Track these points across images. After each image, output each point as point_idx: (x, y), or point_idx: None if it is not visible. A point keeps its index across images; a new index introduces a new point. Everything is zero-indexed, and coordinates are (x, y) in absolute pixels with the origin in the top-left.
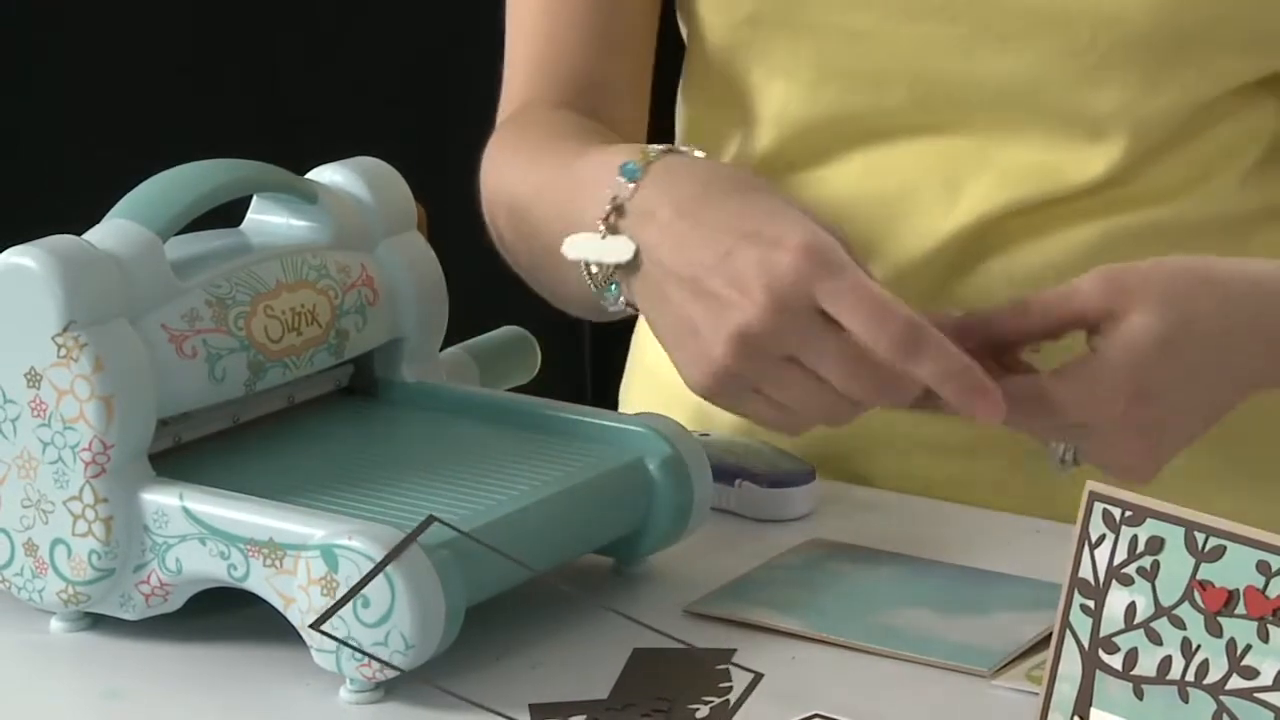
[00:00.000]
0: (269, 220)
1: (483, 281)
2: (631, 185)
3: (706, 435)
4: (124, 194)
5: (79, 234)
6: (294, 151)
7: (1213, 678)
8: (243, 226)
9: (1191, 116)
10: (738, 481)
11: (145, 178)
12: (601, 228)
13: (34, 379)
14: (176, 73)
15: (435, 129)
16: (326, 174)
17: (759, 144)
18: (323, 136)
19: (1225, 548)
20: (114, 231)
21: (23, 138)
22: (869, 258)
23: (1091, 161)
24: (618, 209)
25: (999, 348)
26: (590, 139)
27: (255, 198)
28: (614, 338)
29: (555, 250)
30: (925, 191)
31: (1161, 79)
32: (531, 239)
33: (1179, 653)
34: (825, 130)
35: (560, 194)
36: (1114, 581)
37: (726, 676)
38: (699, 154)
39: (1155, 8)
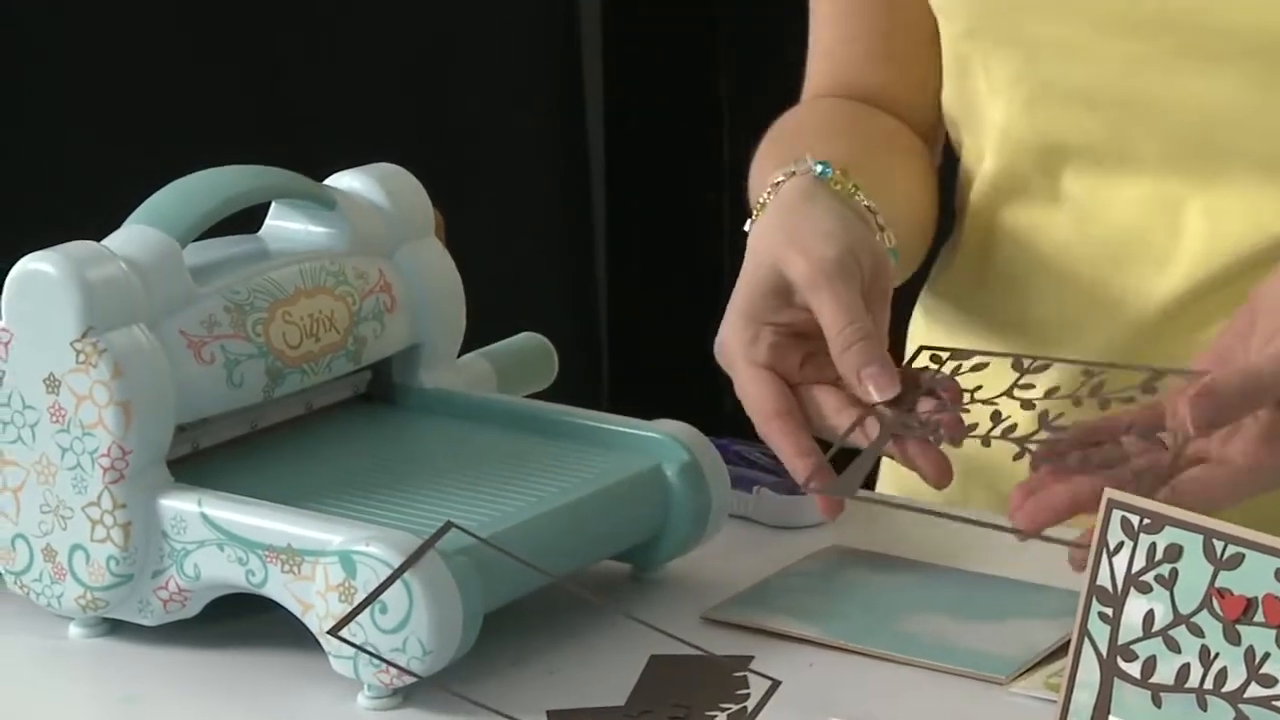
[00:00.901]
0: (287, 226)
1: (500, 287)
2: (764, 197)
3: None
4: (122, 193)
5: (88, 236)
6: (311, 158)
7: (1231, 686)
8: (261, 232)
9: None
10: (756, 488)
11: (145, 177)
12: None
13: (53, 385)
14: (180, 71)
15: (454, 136)
16: (345, 180)
17: (985, 165)
18: (340, 142)
19: (1244, 555)
20: (133, 237)
21: (22, 136)
22: (1099, 309)
23: None
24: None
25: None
26: (833, 142)
27: (274, 204)
28: (632, 344)
29: None
30: (1152, 236)
31: None
32: None
33: (1197, 660)
34: (1042, 155)
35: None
36: (1132, 589)
37: (744, 684)
38: (813, 170)
39: None
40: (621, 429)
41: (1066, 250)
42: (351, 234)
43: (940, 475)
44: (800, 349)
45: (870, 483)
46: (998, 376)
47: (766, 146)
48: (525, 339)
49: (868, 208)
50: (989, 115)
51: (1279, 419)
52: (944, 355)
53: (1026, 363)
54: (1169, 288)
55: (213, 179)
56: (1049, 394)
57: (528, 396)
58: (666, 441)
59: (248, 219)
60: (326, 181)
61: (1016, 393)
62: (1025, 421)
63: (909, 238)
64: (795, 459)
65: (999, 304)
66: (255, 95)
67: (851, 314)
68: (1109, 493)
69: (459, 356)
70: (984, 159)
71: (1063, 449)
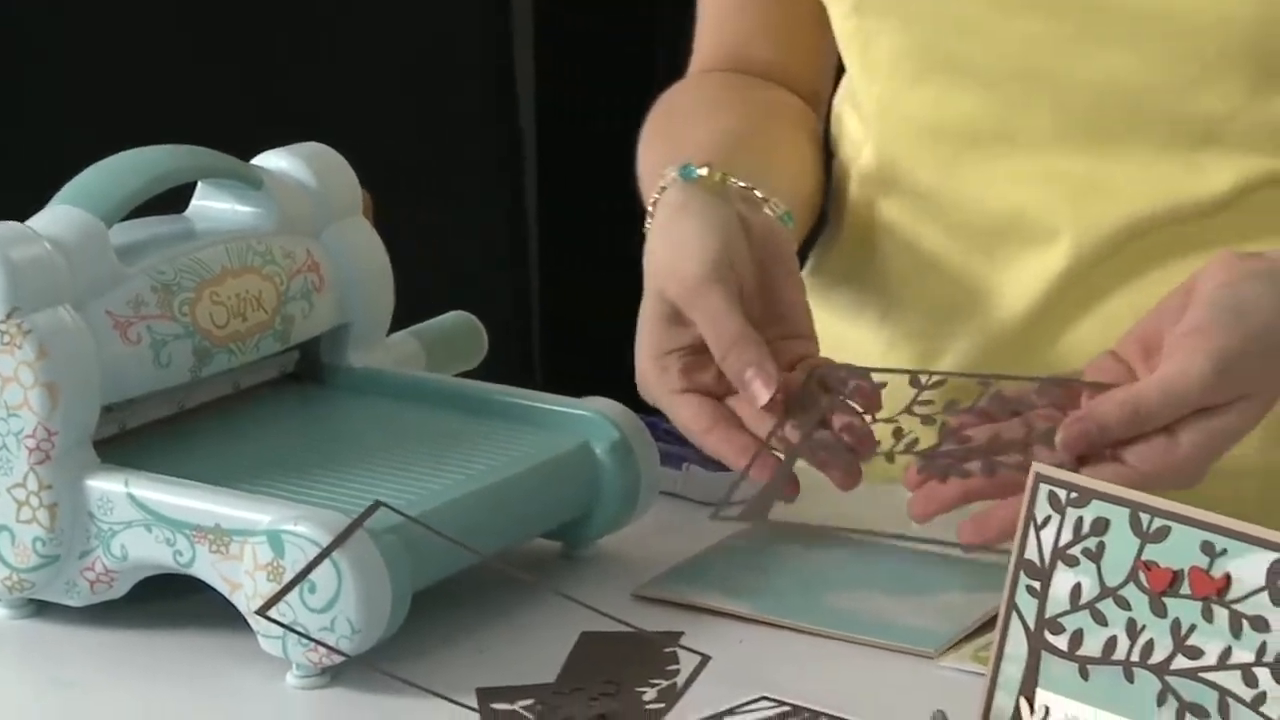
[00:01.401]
0: (214, 206)
1: (429, 267)
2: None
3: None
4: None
5: (13, 217)
6: (235, 140)
7: (1157, 658)
8: (187, 212)
9: None
10: (685, 465)
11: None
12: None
13: None
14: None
15: (385, 116)
16: (271, 160)
17: (863, 158)
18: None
19: (1170, 528)
20: (58, 217)
21: (22, 136)
22: (983, 292)
23: (1209, 173)
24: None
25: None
26: (715, 117)
27: (200, 184)
28: (564, 322)
29: None
30: (1037, 213)
31: (1270, 85)
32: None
33: (1124, 633)
34: (921, 137)
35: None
36: (1059, 562)
37: (674, 659)
38: (702, 174)
39: (1262, 10)
40: (551, 407)
41: (947, 238)
42: (279, 214)
43: (848, 479)
44: (712, 363)
45: None
46: (894, 390)
47: (649, 129)
48: (454, 317)
49: (744, 188)
50: (869, 94)
51: (1174, 439)
52: (842, 373)
53: (923, 379)
54: (1054, 264)
55: (138, 158)
56: (949, 407)
57: (458, 375)
58: (596, 419)
59: (174, 199)
60: (253, 161)
61: (916, 409)
62: (926, 435)
63: (798, 201)
64: (740, 461)
65: (881, 295)
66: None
67: (722, 322)
68: (1036, 467)
69: (388, 336)
70: (862, 151)
71: (949, 461)
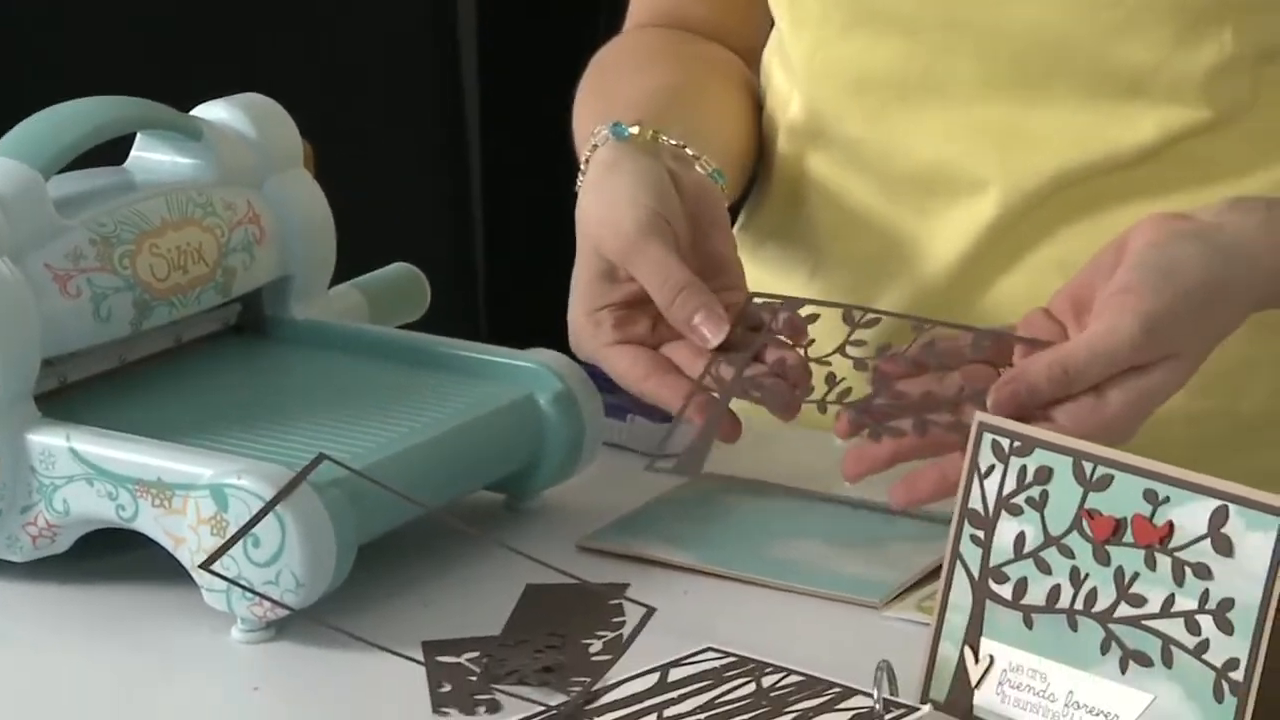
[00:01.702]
0: (153, 158)
1: (371, 218)
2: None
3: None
4: None
5: None
6: (176, 91)
7: (1101, 606)
8: (127, 164)
9: (1243, 79)
10: (629, 416)
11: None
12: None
13: None
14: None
15: (327, 67)
16: (212, 110)
17: (790, 111)
18: (204, 75)
19: (1113, 477)
20: None
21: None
22: (911, 245)
23: (1135, 124)
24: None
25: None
26: (648, 73)
27: (139, 135)
28: (508, 272)
29: None
30: (965, 164)
31: (1194, 35)
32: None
33: (1068, 581)
34: (847, 89)
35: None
36: (1003, 511)
37: (619, 611)
38: (633, 132)
39: None
40: (494, 358)
41: (875, 190)
42: (219, 165)
43: (786, 412)
44: (645, 316)
45: None
46: (829, 330)
47: (584, 85)
48: (396, 269)
49: (676, 145)
50: (798, 45)
51: (1102, 398)
52: (776, 304)
53: (857, 315)
54: (982, 215)
55: (76, 110)
56: (880, 351)
57: (401, 327)
58: (539, 370)
59: (113, 151)
60: (193, 112)
61: (849, 350)
62: (859, 382)
63: (730, 158)
64: (677, 405)
65: (811, 250)
66: (128, 29)
67: (666, 271)
68: (979, 416)
69: (330, 288)
70: (789, 104)
71: (881, 415)
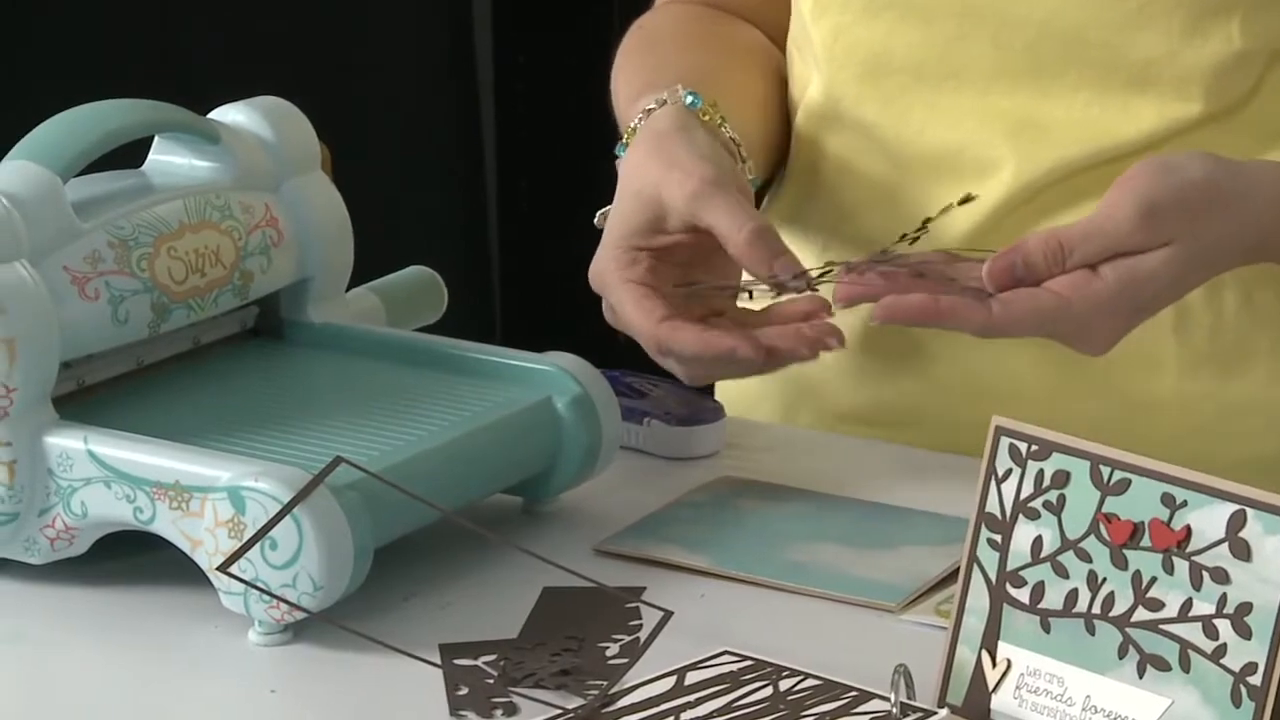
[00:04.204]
0: (171, 161)
1: (388, 221)
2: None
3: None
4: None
5: None
6: (194, 94)
7: (1119, 610)
8: (144, 167)
9: (1247, 75)
10: (646, 419)
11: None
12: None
13: None
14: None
15: (344, 70)
16: (229, 114)
17: (810, 93)
18: (222, 78)
19: (1130, 480)
20: (13, 172)
21: None
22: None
23: (1139, 116)
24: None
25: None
26: (693, 51)
27: (157, 138)
28: (523, 276)
29: None
30: (977, 149)
31: (1203, 28)
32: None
33: (1085, 586)
34: (865, 73)
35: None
36: (1021, 515)
37: (636, 614)
38: (683, 100)
39: None
40: (511, 361)
41: (888, 172)
42: (236, 168)
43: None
44: (675, 274)
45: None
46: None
47: (626, 49)
48: (413, 272)
49: (732, 139)
50: (819, 29)
51: (1095, 272)
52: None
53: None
54: (989, 200)
55: (95, 113)
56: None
57: (418, 330)
58: (556, 374)
59: (131, 154)
60: (211, 115)
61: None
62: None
63: (764, 154)
64: (706, 342)
65: (823, 229)
66: (145, 36)
67: (743, 214)
68: (997, 420)
69: (347, 291)
70: (807, 89)
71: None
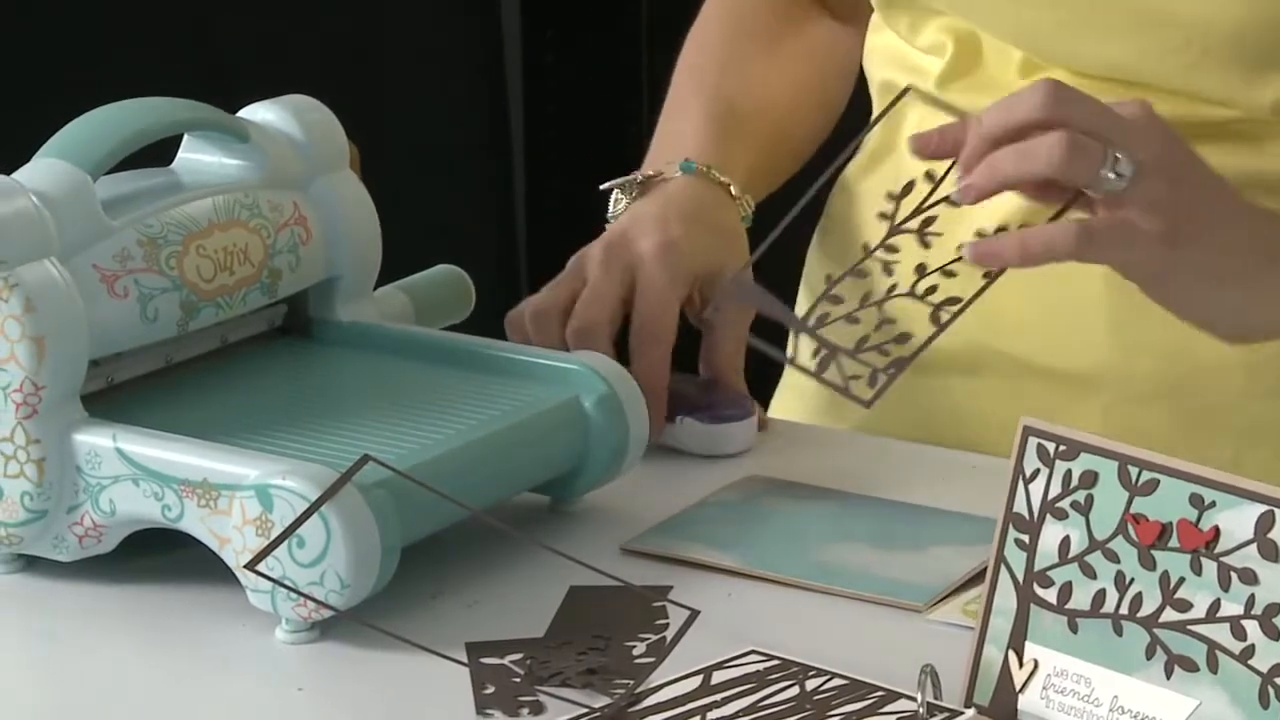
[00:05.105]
0: (200, 159)
1: (416, 220)
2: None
3: None
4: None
5: (5, 173)
6: (223, 92)
7: (1146, 610)
8: (174, 165)
9: None
10: (679, 417)
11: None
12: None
13: None
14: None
15: (372, 68)
16: (259, 112)
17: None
18: (252, 77)
19: (1158, 481)
20: (43, 170)
21: None
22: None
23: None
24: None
25: None
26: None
27: (186, 136)
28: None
29: None
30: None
31: (1261, 78)
32: None
33: (1113, 586)
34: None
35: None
36: (1048, 515)
37: (663, 613)
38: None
39: (1244, 14)
40: (539, 360)
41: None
42: (266, 166)
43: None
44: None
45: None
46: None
47: (683, 77)
48: (442, 271)
49: (723, 183)
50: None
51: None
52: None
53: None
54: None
55: (124, 111)
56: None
57: (445, 329)
58: (585, 372)
59: (160, 152)
60: (240, 114)
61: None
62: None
63: (770, 177)
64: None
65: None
66: (178, 36)
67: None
68: (1025, 420)
69: (375, 289)
70: (873, 87)
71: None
